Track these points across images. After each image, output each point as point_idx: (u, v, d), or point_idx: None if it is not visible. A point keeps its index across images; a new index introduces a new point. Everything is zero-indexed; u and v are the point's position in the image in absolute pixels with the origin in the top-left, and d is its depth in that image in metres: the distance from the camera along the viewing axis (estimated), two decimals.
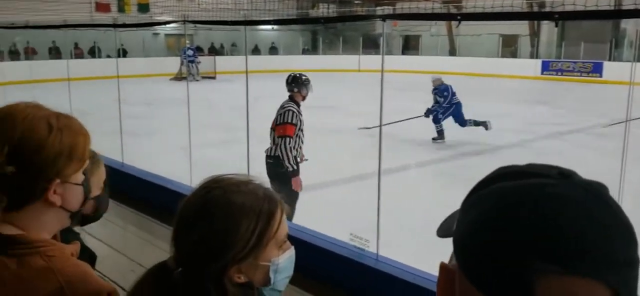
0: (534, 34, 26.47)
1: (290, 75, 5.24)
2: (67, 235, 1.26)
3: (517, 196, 0.56)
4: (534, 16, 9.89)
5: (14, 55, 21.97)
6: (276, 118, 5.05)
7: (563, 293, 0.51)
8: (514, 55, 27.12)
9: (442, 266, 0.62)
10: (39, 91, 10.00)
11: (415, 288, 3.54)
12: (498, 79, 22.80)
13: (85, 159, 1.14)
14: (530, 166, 0.61)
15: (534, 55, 26.13)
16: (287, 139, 4.83)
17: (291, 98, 5.05)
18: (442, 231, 0.69)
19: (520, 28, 25.47)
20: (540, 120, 12.75)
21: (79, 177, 1.13)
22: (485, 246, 0.55)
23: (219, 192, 1.03)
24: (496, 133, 10.47)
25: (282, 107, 5.05)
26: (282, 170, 4.80)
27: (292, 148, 4.84)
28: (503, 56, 26.64)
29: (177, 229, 1.03)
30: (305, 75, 5.23)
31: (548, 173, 0.58)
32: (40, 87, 12.00)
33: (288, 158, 4.82)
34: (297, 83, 5.11)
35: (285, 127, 4.88)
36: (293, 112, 4.94)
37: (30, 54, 21.40)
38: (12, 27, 13.03)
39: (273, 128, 5.06)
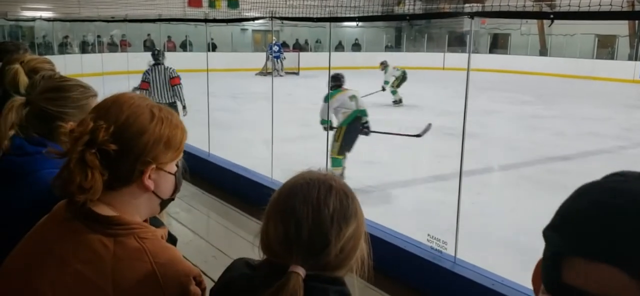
0: (635, 35, 24.77)
1: (155, 50, 8.12)
2: (154, 221, 1.34)
3: (620, 187, 0.57)
4: (637, 15, 9.27)
5: (111, 47, 23.36)
6: (163, 78, 7.65)
7: (585, 276, 0.53)
8: (611, 56, 25.54)
9: (539, 262, 0.65)
10: (134, 82, 10.57)
11: (493, 294, 3.44)
12: (592, 82, 21.61)
13: (180, 151, 1.22)
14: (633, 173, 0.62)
15: (633, 57, 24.45)
16: (182, 85, 7.76)
17: (159, 64, 7.80)
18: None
19: (619, 28, 23.91)
20: (637, 126, 11.97)
21: (173, 168, 1.20)
22: (545, 233, 0.60)
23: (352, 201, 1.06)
24: (588, 139, 9.95)
25: (164, 68, 7.69)
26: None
27: None
28: (598, 57, 25.15)
29: (314, 234, 0.99)
30: (159, 49, 8.24)
31: (632, 174, 0.59)
32: (135, 77, 12.68)
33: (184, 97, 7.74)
34: (161, 55, 7.88)
35: (178, 78, 7.72)
36: (174, 68, 7.82)
37: (126, 46, 22.68)
38: (113, 20, 13.85)
39: (162, 84, 7.67)
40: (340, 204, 1.02)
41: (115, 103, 1.14)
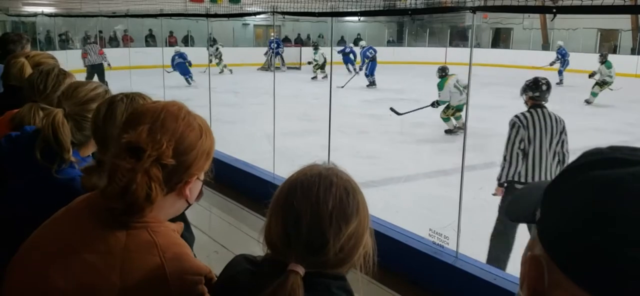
0: (638, 29, 24.70)
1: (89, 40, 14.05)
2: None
3: (620, 188, 0.54)
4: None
5: (113, 42, 23.35)
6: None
7: None
8: (613, 51, 25.45)
9: (533, 258, 0.61)
10: (135, 77, 10.56)
11: (495, 289, 3.45)
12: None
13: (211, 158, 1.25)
14: (616, 150, 0.59)
15: (636, 51, 24.36)
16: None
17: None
18: (515, 215, 0.68)
19: (622, 22, 23.83)
20: None
21: (203, 174, 1.23)
22: (590, 241, 0.53)
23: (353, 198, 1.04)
24: (590, 133, 9.93)
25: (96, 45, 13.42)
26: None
27: None
28: (601, 52, 25.06)
29: (312, 233, 0.98)
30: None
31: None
32: (137, 73, 12.66)
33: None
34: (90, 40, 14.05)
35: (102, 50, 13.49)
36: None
37: (128, 41, 22.66)
38: (114, 15, 13.86)
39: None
40: (340, 202, 1.00)
41: (168, 115, 1.15)
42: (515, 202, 0.71)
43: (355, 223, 1.01)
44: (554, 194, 0.61)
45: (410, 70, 21.80)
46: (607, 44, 25.50)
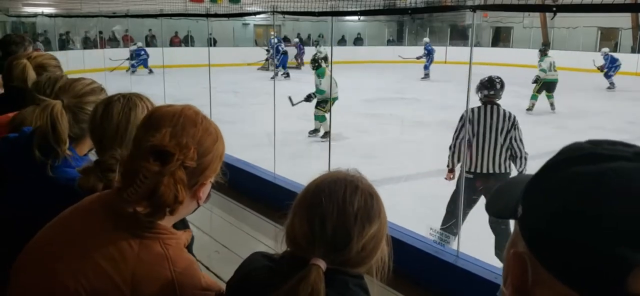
0: (638, 27, 24.67)
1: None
2: (183, 223, 1.37)
3: (603, 184, 0.53)
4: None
5: (112, 42, 23.34)
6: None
7: None
8: (613, 49, 25.43)
9: (516, 254, 0.60)
10: (135, 77, 10.54)
11: (497, 287, 3.43)
12: (595, 74, 21.52)
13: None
14: (596, 144, 0.58)
15: (636, 49, 24.34)
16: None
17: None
18: (496, 211, 0.67)
19: (622, 21, 23.81)
20: None
21: (213, 176, 1.26)
22: (575, 238, 0.53)
23: (377, 202, 1.09)
24: (591, 133, 9.93)
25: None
26: None
27: None
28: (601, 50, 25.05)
29: (337, 231, 1.02)
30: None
31: (623, 155, 0.55)
32: (137, 72, 12.71)
33: None
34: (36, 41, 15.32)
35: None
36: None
37: (128, 42, 22.66)
38: (114, 16, 13.85)
39: None
40: (364, 204, 1.05)
41: (187, 120, 1.17)
42: (496, 198, 0.71)
43: (377, 225, 1.06)
44: (536, 191, 0.60)
45: (411, 69, 21.78)
46: (608, 42, 25.48)
